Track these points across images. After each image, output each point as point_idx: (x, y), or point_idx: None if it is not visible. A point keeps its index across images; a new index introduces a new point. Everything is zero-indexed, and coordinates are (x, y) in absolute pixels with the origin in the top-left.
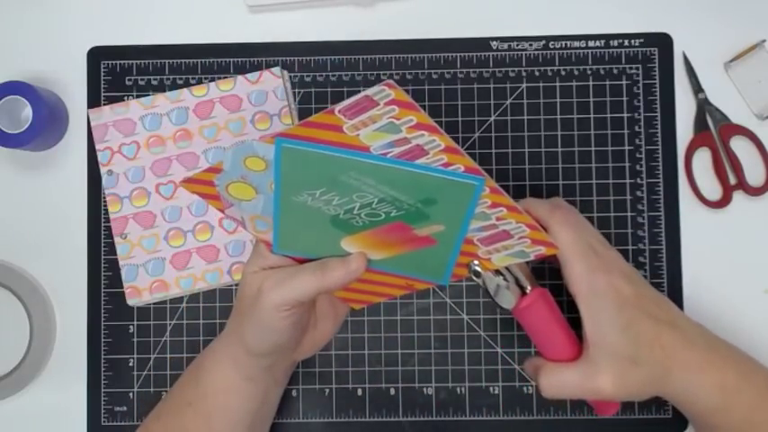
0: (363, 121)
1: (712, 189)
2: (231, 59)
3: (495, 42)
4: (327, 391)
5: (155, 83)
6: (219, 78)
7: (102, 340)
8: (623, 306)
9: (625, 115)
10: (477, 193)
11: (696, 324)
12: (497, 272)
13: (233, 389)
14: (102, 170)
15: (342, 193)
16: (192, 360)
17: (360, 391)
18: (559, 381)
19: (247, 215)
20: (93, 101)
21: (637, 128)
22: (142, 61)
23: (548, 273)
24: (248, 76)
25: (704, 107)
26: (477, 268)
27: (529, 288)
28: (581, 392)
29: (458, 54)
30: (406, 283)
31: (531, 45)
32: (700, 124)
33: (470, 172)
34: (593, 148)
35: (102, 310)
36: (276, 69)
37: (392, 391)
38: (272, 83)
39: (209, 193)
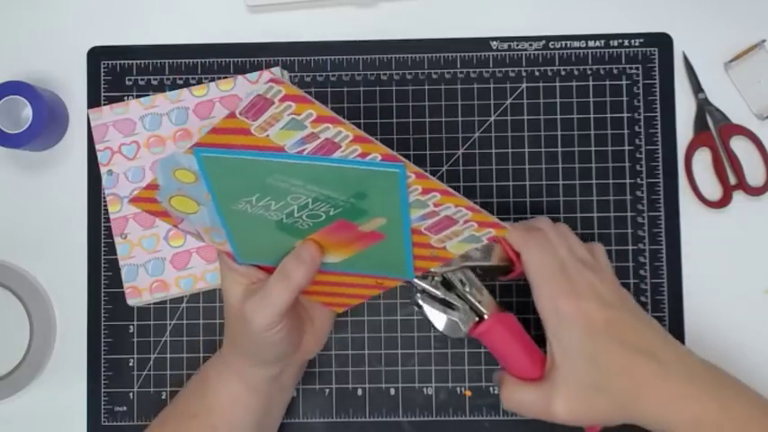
0: (267, 121)
1: (712, 189)
2: (231, 59)
3: (495, 42)
4: (327, 391)
5: (155, 83)
6: (219, 78)
7: (102, 340)
8: (592, 334)
9: (625, 115)
10: (402, 180)
11: (680, 352)
12: (446, 302)
13: (239, 402)
14: (102, 170)
15: (276, 197)
16: (191, 361)
17: (360, 391)
18: (517, 398)
19: (200, 228)
20: (93, 101)
21: (637, 128)
22: (142, 61)
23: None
24: (248, 76)
25: (704, 107)
26: (419, 301)
27: (486, 314)
28: (536, 413)
29: (458, 54)
30: (376, 282)
31: (531, 45)
32: (700, 124)
33: (388, 159)
34: (593, 148)
35: (102, 310)
36: (276, 69)
37: (392, 391)
38: None
39: (158, 210)
